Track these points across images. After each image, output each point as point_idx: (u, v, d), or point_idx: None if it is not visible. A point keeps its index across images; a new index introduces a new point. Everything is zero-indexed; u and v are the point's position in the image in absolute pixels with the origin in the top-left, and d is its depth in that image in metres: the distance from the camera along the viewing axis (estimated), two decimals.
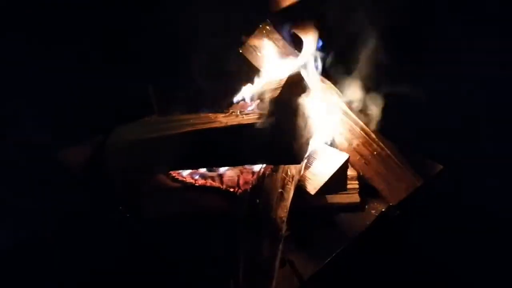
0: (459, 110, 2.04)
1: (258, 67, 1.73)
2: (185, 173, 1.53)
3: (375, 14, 1.76)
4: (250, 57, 1.72)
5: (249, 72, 1.71)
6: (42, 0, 2.02)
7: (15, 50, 2.03)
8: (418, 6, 1.90)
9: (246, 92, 1.65)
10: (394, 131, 1.65)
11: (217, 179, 1.49)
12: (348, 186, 1.54)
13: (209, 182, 1.49)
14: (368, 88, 1.72)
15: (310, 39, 1.63)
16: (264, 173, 1.39)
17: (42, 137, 1.88)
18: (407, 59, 1.80)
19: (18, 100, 2.04)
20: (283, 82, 1.37)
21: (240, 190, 1.45)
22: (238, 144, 1.29)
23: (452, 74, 2.05)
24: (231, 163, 1.45)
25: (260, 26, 1.66)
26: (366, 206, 1.58)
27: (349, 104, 1.62)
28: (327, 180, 1.43)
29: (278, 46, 1.67)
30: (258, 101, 1.48)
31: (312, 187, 1.46)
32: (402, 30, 1.87)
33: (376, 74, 1.73)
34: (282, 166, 1.41)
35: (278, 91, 1.35)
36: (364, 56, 1.72)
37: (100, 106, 2.02)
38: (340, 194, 1.54)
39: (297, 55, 1.65)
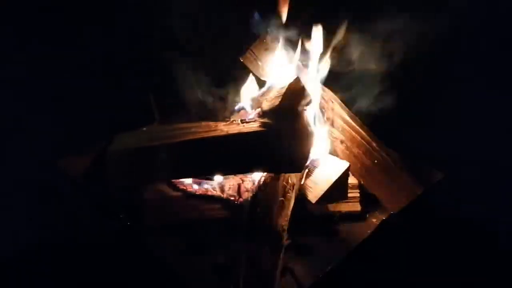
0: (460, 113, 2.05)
1: (259, 76, 1.73)
2: (186, 181, 1.53)
3: (376, 22, 1.77)
4: (251, 66, 1.73)
5: (250, 80, 1.71)
6: (44, 4, 2.04)
7: (19, 58, 2.04)
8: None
9: (247, 101, 1.65)
10: (395, 138, 1.66)
11: (217, 187, 1.49)
12: (349, 195, 1.54)
13: (210, 191, 1.49)
14: (368, 96, 1.73)
15: (311, 48, 1.64)
16: (265, 181, 1.39)
17: (43, 145, 1.88)
18: (408, 66, 1.81)
19: (20, 108, 2.05)
20: (283, 91, 1.37)
21: (240, 199, 1.45)
22: (239, 152, 1.30)
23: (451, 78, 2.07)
24: (232, 172, 1.45)
25: (261, 34, 1.67)
26: (367, 215, 1.58)
27: (349, 112, 1.63)
28: (328, 189, 1.43)
29: (278, 55, 1.68)
30: (259, 109, 1.49)
31: (313, 195, 1.46)
32: (401, 36, 1.88)
33: (376, 81, 1.74)
34: (283, 174, 1.41)
35: (279, 100, 1.36)
36: (364, 64, 1.73)
37: (101, 114, 2.03)
38: (341, 202, 1.54)
39: (298, 64, 1.66)
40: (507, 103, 2.03)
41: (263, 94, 1.58)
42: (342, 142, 1.62)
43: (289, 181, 1.42)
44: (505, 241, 1.64)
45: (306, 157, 1.37)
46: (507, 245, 1.63)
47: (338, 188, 1.46)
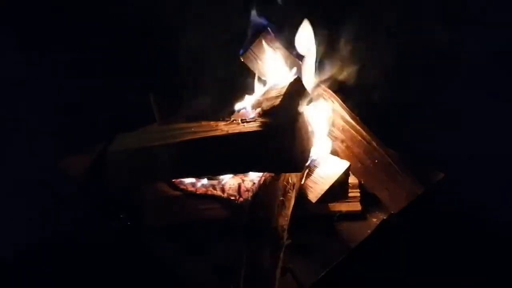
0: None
1: (259, 76, 1.73)
2: (186, 181, 1.53)
3: (374, 20, 1.77)
4: (251, 66, 1.73)
5: (250, 80, 1.71)
6: (43, 4, 2.04)
7: (19, 58, 2.04)
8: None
9: (247, 101, 1.65)
10: (395, 138, 1.66)
11: (218, 187, 1.49)
12: (349, 194, 1.54)
13: (210, 190, 1.49)
14: (368, 95, 1.73)
15: (310, 48, 1.63)
16: (265, 181, 1.39)
17: (43, 145, 1.88)
18: (408, 64, 1.81)
19: (20, 108, 2.05)
20: (284, 90, 1.37)
21: (241, 198, 1.45)
22: (239, 152, 1.29)
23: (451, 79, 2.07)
24: (232, 171, 1.45)
25: (261, 34, 1.67)
26: (367, 214, 1.58)
27: (350, 111, 1.63)
28: (328, 188, 1.43)
29: (279, 55, 1.68)
30: (259, 109, 1.49)
31: (313, 195, 1.46)
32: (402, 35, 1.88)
33: (376, 81, 1.74)
34: (283, 174, 1.41)
35: (279, 99, 1.35)
36: (365, 64, 1.73)
37: (101, 115, 2.03)
38: (342, 202, 1.54)
39: (298, 64, 1.66)
40: (507, 103, 2.03)
41: (263, 94, 1.57)
42: (342, 141, 1.62)
43: (290, 180, 1.41)
44: (505, 241, 1.64)
45: (306, 157, 1.37)
46: (507, 245, 1.63)
47: (339, 188, 1.46)
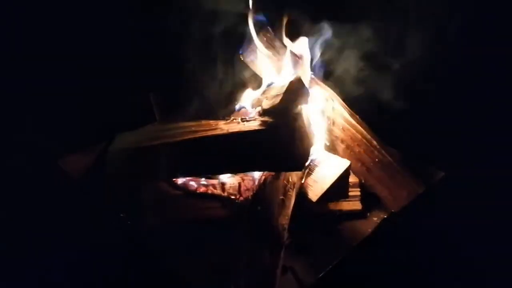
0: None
1: (259, 74, 1.73)
2: (187, 180, 1.53)
3: (375, 19, 1.77)
4: (250, 64, 1.73)
5: (250, 79, 1.72)
6: (44, 4, 2.04)
7: (19, 58, 2.05)
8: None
9: (247, 99, 1.65)
10: (395, 138, 1.66)
11: (218, 186, 1.49)
12: (350, 193, 1.54)
13: (210, 190, 1.49)
14: (369, 95, 1.73)
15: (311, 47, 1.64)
16: (265, 180, 1.38)
17: (44, 145, 1.88)
18: (408, 66, 1.81)
19: (20, 108, 2.05)
20: (284, 89, 1.37)
21: (241, 198, 1.45)
22: (239, 151, 1.29)
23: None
24: (232, 171, 1.45)
25: (261, 32, 1.67)
26: (368, 213, 1.57)
27: (350, 110, 1.62)
28: (329, 187, 1.43)
29: (279, 53, 1.68)
30: (259, 108, 1.49)
31: (314, 194, 1.46)
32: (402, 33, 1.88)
33: (377, 80, 1.74)
34: (283, 173, 1.40)
35: (279, 98, 1.35)
36: (365, 63, 1.73)
37: (102, 114, 2.03)
38: (342, 201, 1.54)
39: (298, 62, 1.65)
40: (507, 103, 2.04)
41: (263, 93, 1.58)
42: (342, 140, 1.61)
43: (290, 179, 1.41)
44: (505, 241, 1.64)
45: (306, 156, 1.37)
46: (508, 244, 1.63)
47: (339, 187, 1.46)
